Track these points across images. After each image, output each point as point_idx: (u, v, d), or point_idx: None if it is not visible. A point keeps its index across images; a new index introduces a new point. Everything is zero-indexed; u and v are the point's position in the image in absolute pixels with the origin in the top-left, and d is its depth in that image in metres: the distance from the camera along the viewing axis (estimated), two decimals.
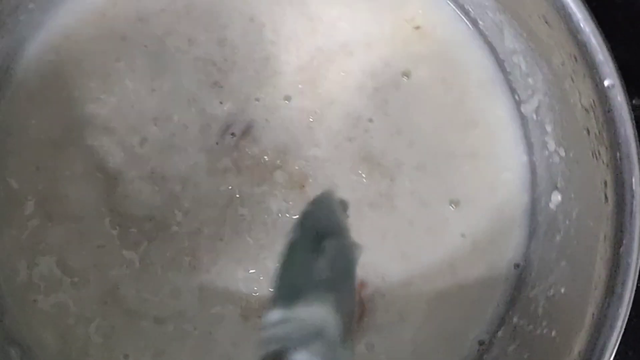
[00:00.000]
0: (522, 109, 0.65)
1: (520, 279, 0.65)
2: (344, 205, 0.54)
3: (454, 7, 0.67)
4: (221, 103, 0.65)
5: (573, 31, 0.51)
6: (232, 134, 0.64)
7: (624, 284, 0.50)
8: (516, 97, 0.66)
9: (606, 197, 0.53)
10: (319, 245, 0.46)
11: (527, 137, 0.65)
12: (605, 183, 0.53)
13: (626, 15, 0.69)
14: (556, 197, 0.62)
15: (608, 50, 0.51)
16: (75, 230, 0.63)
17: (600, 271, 0.53)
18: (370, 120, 0.65)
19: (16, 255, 0.63)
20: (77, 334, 0.63)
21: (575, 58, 0.52)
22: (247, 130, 0.64)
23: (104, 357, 0.63)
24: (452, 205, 0.65)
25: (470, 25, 0.67)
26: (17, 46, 0.64)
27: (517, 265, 0.65)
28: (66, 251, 0.63)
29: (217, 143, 0.64)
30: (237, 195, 0.64)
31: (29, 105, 0.65)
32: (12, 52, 0.64)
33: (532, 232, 0.65)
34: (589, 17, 0.51)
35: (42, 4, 0.64)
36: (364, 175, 0.65)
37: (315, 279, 0.45)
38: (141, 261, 0.63)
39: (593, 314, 0.52)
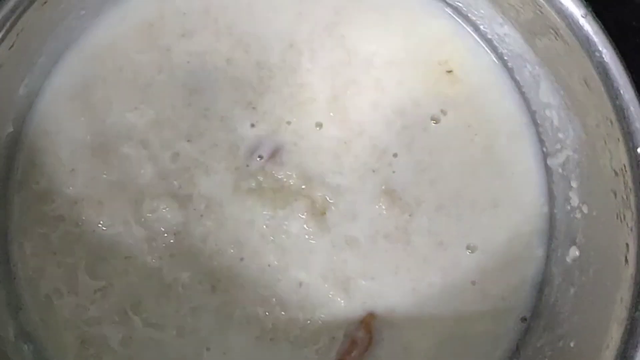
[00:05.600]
0: (549, 162, 0.65)
1: (528, 328, 0.65)
2: None
3: (491, 55, 0.67)
4: (252, 125, 0.65)
5: (612, 96, 0.52)
6: (260, 156, 0.65)
7: (636, 348, 0.51)
8: (544, 149, 0.66)
9: (627, 260, 0.53)
10: None
11: (550, 189, 0.66)
12: (627, 246, 0.53)
13: None
14: (574, 252, 0.62)
15: None
16: (105, 238, 0.64)
17: (613, 332, 0.53)
18: (395, 155, 0.66)
19: (43, 254, 0.64)
20: (96, 340, 0.63)
21: (610, 121, 0.53)
22: (275, 153, 0.65)
23: None
24: (469, 250, 0.65)
25: (505, 75, 0.67)
26: (64, 48, 0.65)
27: (524, 319, 0.65)
28: (93, 257, 0.64)
29: (247, 165, 0.65)
30: (259, 217, 0.64)
31: (68, 106, 0.65)
32: (57, 54, 0.65)
33: (544, 283, 0.65)
34: (629, 84, 0.52)
35: (92, 10, 0.65)
36: (383, 207, 0.65)
37: None
38: (163, 276, 0.64)
39: None
